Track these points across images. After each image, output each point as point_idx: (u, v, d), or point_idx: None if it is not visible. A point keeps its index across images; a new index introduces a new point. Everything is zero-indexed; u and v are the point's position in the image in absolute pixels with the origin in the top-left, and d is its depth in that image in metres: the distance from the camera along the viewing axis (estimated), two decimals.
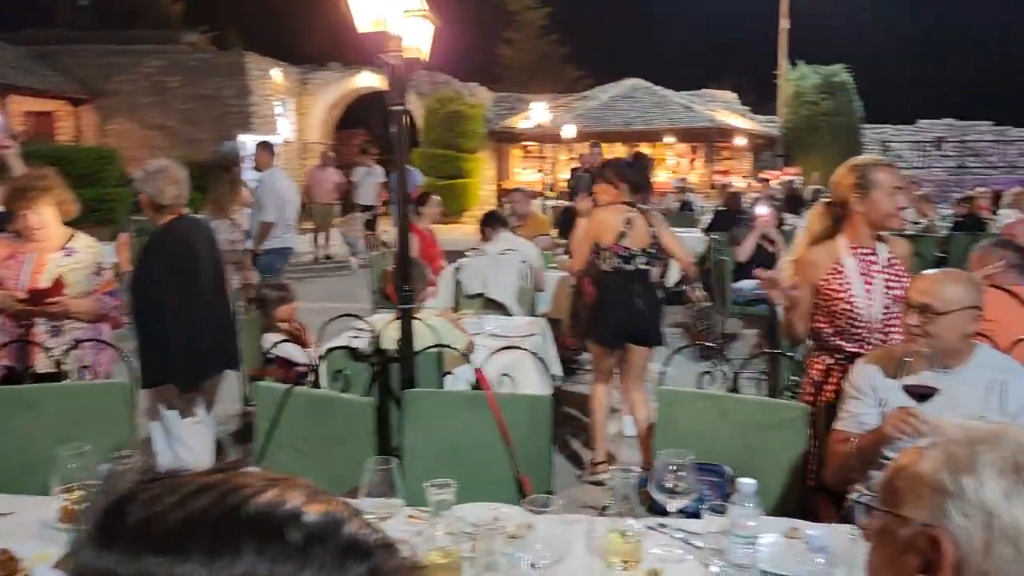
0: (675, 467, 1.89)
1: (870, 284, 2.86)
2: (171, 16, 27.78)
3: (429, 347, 3.06)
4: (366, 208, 13.31)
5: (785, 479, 2.66)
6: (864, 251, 2.90)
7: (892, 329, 2.84)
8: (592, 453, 4.65)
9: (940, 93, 33.45)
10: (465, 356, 3.04)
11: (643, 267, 4.32)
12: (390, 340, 3.22)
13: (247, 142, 16.90)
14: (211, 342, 3.54)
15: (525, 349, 3.15)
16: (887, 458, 2.28)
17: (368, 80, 21.15)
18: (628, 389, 4.41)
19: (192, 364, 3.48)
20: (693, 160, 22.36)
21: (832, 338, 2.95)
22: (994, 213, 10.01)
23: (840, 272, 2.89)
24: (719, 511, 1.78)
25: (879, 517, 1.00)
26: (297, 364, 3.92)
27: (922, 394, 2.11)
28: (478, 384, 2.77)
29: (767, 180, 15.69)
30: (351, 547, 0.56)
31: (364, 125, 25.02)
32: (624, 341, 4.39)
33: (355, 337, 3.40)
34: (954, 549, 0.90)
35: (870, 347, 2.82)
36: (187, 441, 3.56)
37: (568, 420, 5.54)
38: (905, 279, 2.85)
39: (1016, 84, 38.20)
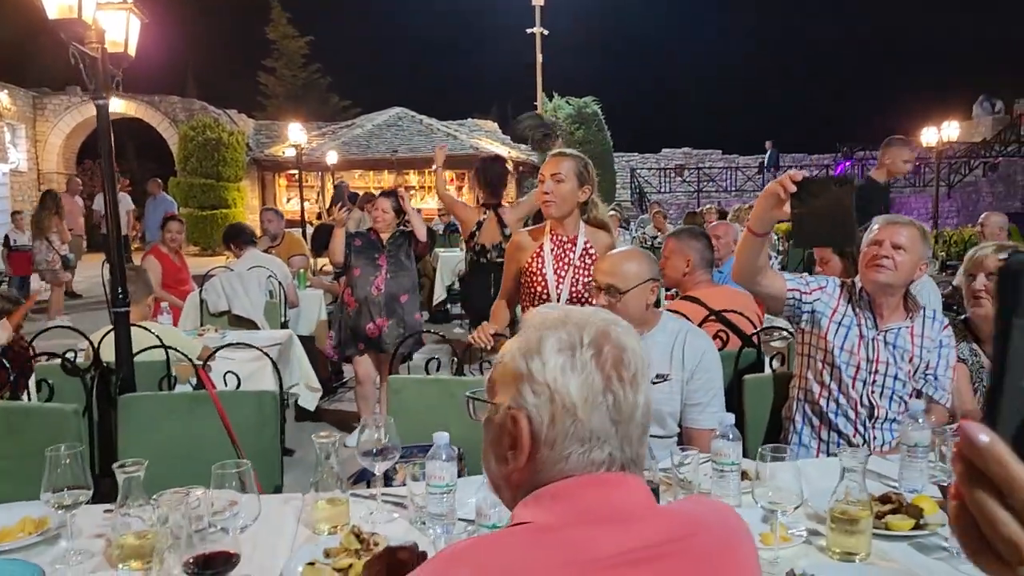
0: (376, 432, 1.95)
1: (562, 271, 3.12)
2: None
3: (148, 347, 2.92)
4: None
5: None
6: (563, 238, 3.16)
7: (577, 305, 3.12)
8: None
9: (679, 124, 36.88)
10: (194, 363, 2.92)
11: None
12: (111, 351, 3.05)
13: None
14: None
15: (253, 347, 3.09)
16: None
17: (114, 106, 19.68)
18: None
19: None
20: (460, 187, 22.96)
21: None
22: None
23: (540, 256, 3.15)
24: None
25: (483, 408, 1.13)
26: None
27: None
28: (201, 384, 2.69)
29: None
30: None
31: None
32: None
33: (69, 351, 3.16)
34: (528, 424, 1.03)
35: None
36: None
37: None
38: None
39: (741, 117, 43.06)
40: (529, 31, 24.02)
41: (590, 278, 3.05)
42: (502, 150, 22.97)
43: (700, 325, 3.23)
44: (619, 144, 24.79)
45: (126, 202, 12.57)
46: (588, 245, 3.13)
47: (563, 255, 3.13)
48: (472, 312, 5.38)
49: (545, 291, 3.11)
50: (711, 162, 26.41)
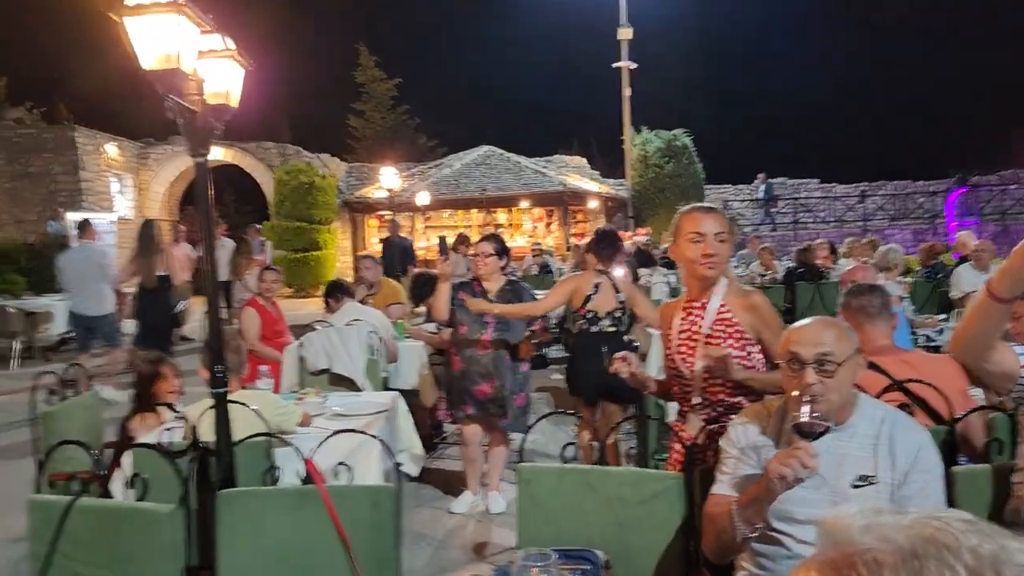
0: (537, 565, 1.56)
1: (692, 341, 2.65)
2: None
3: (250, 436, 2.61)
4: (220, 284, 12.67)
5: (663, 557, 2.38)
6: (694, 305, 2.69)
7: (714, 386, 2.62)
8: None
9: (772, 153, 35.79)
10: (285, 441, 2.59)
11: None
12: (209, 431, 2.75)
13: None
14: None
15: (363, 433, 2.74)
16: (774, 529, 2.03)
17: (213, 153, 20.21)
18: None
19: None
20: (549, 224, 22.70)
21: (678, 395, 2.78)
22: (834, 262, 10.49)
23: (671, 327, 2.73)
24: None
25: None
26: None
27: (813, 432, 1.86)
28: (309, 477, 2.36)
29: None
30: None
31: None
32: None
33: (167, 429, 2.89)
34: None
35: (695, 405, 2.64)
36: None
37: (429, 501, 5.11)
38: (733, 335, 2.60)
39: (837, 143, 41.59)
40: (615, 66, 23.73)
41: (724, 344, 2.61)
42: (591, 185, 22.64)
43: (877, 398, 2.74)
44: (710, 176, 24.10)
45: (228, 247, 12.83)
46: (724, 307, 2.64)
47: (689, 327, 2.67)
48: (577, 390, 4.76)
49: (674, 366, 2.71)
50: (807, 191, 25.44)
